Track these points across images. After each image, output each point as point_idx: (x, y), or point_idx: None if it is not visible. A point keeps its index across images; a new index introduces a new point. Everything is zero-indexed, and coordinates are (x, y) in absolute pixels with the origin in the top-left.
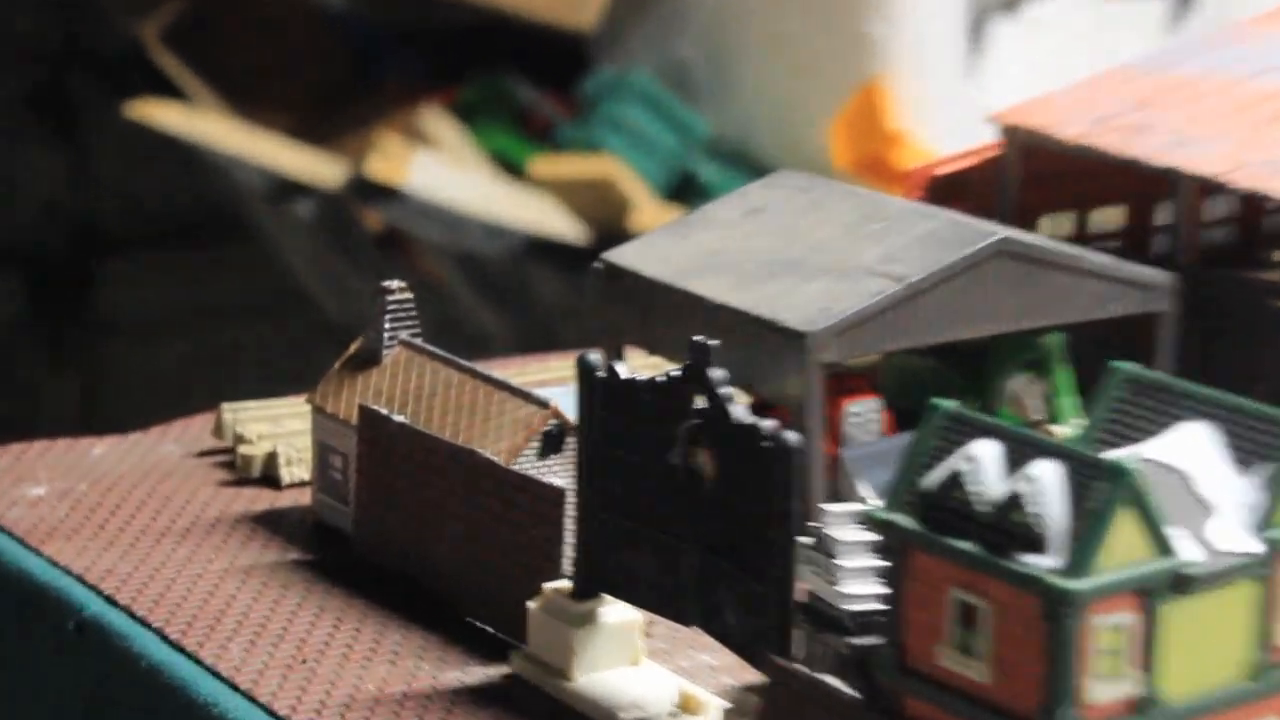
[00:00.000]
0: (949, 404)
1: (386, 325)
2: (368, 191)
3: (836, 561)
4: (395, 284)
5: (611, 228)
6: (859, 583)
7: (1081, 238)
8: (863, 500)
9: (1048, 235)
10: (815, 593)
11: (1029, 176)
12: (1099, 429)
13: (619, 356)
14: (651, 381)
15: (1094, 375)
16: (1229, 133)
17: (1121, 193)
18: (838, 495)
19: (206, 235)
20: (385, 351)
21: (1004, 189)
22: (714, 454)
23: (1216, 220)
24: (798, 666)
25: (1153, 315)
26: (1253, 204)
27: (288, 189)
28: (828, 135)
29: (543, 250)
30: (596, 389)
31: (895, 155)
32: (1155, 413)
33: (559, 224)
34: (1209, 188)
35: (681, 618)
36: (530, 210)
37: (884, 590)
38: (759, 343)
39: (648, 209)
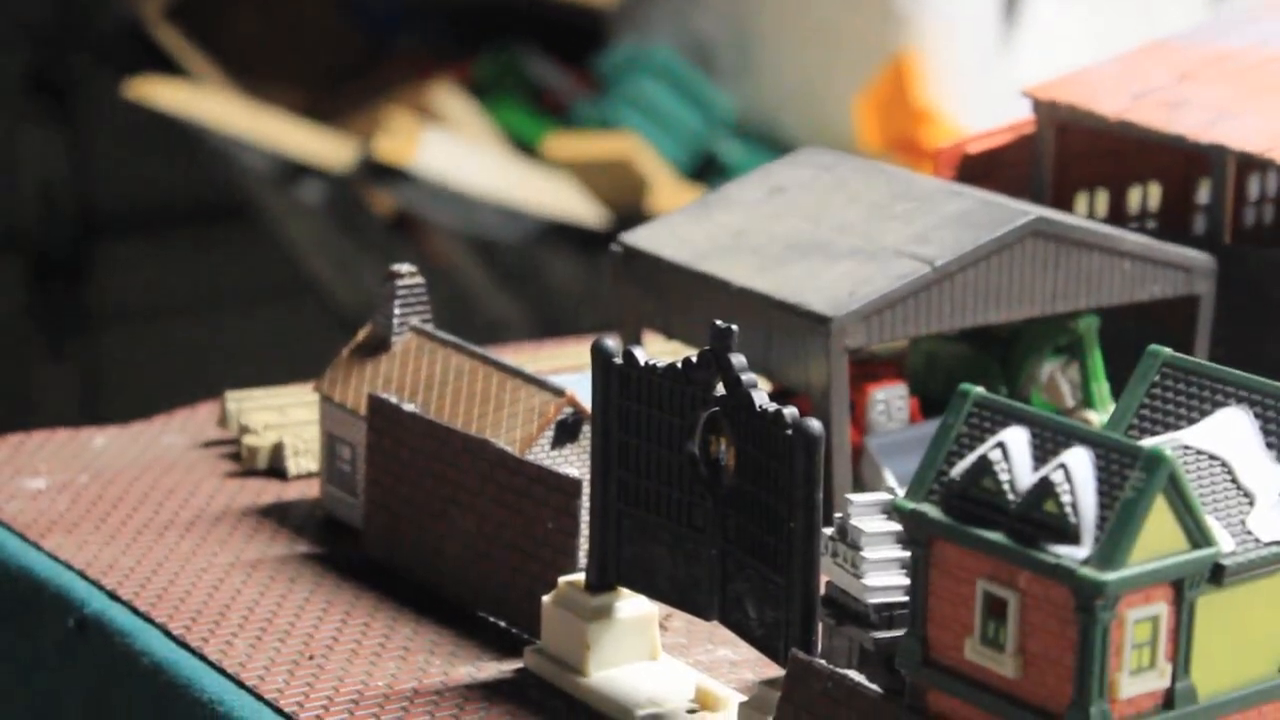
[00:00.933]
0: (977, 389)
1: (396, 310)
2: (377, 173)
3: (860, 553)
4: (405, 268)
5: (630, 210)
6: (884, 575)
7: (1118, 217)
8: (888, 490)
9: (1083, 215)
10: (838, 585)
11: (1064, 154)
12: (1134, 415)
13: (637, 342)
14: (670, 368)
15: (1124, 360)
16: (1272, 108)
17: (1160, 170)
18: (862, 485)
19: (210, 219)
20: (395, 338)
21: (1038, 167)
22: (734, 443)
23: (1258, 199)
24: (819, 661)
25: (1191, 297)
26: None
27: (294, 171)
28: (855, 112)
29: (558, 233)
30: (612, 375)
31: (925, 132)
32: (1193, 398)
33: (575, 206)
34: (1251, 165)
35: (700, 611)
36: (545, 191)
37: (908, 582)
38: (782, 327)
39: (668, 190)
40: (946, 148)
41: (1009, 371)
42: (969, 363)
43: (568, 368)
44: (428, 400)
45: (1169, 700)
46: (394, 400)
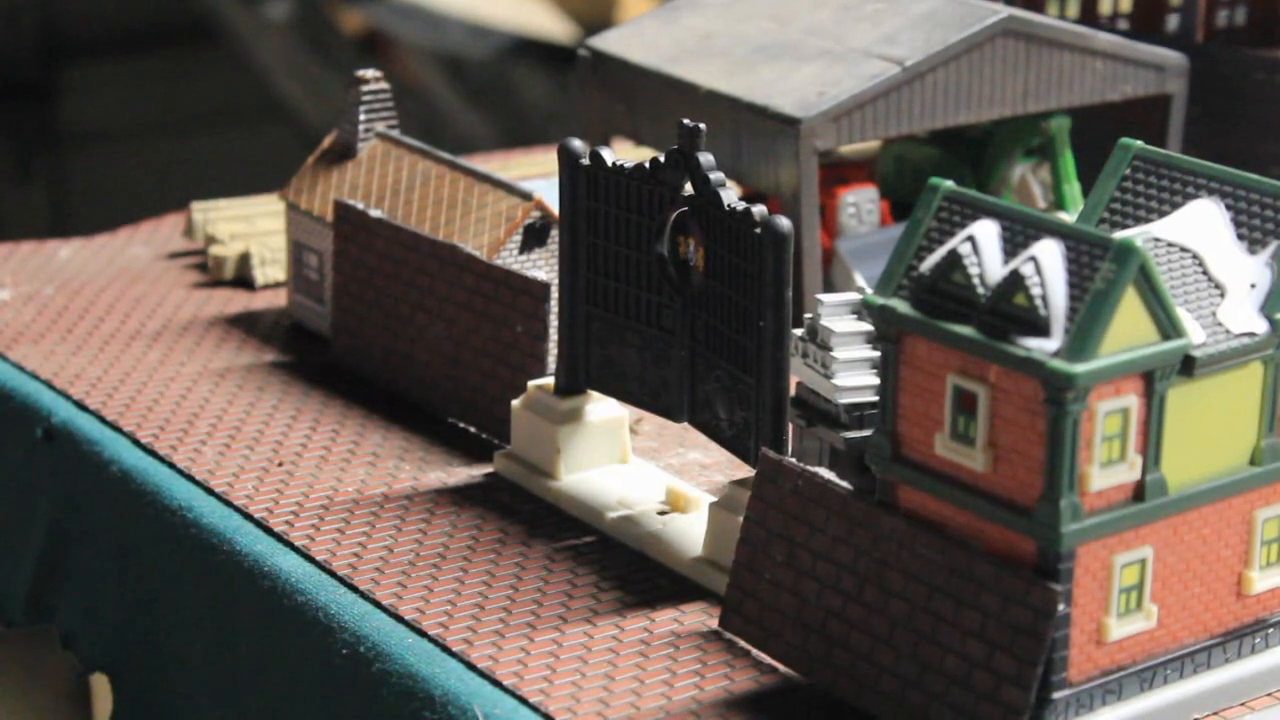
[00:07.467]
0: (947, 183)
1: (361, 117)
2: None
3: (831, 353)
4: (370, 73)
5: (600, 24)
6: (854, 375)
7: (1090, 17)
8: (858, 292)
9: (1054, 14)
10: (808, 386)
11: None
12: (1105, 208)
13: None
14: (637, 167)
15: (1096, 162)
16: None
17: None
18: (832, 288)
19: (177, 40)
20: (361, 144)
21: None
22: (703, 243)
23: None
24: (790, 460)
25: (1163, 97)
26: None
27: None
28: None
29: (528, 49)
30: (579, 176)
31: None
32: (1164, 190)
33: (545, 21)
34: None
35: (670, 413)
36: (515, 7)
37: (878, 382)
38: (751, 130)
39: (637, 5)
40: None
41: (980, 173)
42: (939, 165)
43: (536, 175)
44: (394, 206)
45: (1139, 492)
46: (360, 206)
